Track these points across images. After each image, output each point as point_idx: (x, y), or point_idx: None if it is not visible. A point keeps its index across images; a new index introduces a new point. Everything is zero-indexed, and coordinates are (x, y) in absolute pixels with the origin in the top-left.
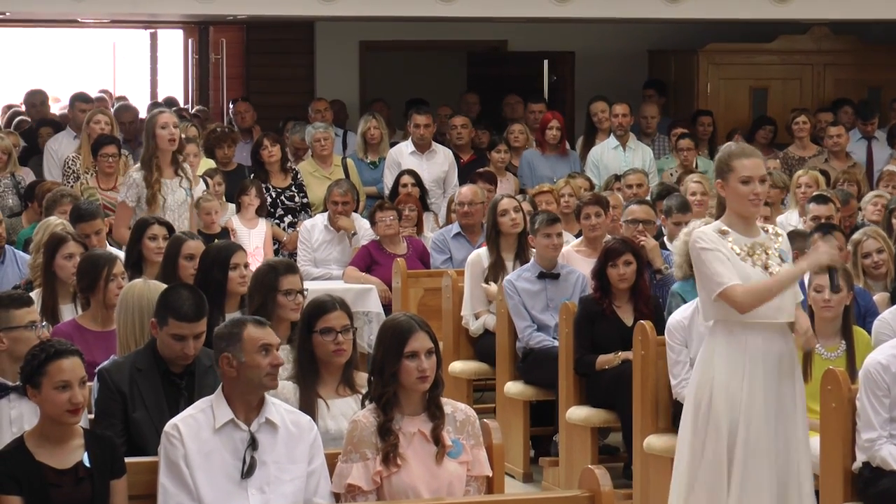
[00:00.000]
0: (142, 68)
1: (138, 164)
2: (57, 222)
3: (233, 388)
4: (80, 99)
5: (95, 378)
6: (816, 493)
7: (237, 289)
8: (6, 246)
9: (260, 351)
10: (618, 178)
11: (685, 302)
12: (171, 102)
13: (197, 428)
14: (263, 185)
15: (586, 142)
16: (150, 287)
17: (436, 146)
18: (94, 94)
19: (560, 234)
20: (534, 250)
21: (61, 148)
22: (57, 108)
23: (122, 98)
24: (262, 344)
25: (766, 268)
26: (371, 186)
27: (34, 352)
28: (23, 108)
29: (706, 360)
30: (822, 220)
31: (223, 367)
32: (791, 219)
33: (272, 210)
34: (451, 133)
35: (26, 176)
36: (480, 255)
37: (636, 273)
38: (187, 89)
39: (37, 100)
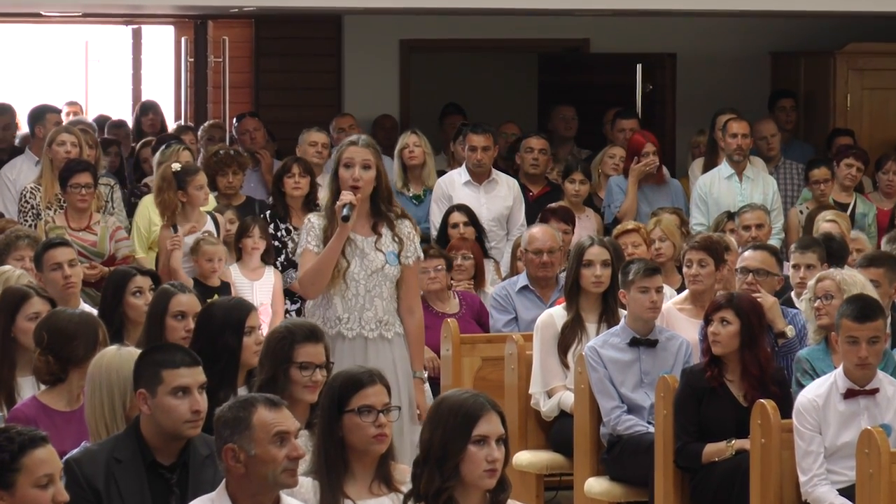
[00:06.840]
0: (122, 74)
1: (320, 211)
2: (17, 273)
3: (241, 486)
4: (49, 111)
5: (62, 471)
6: None
7: (251, 359)
8: None
9: (275, 440)
10: (731, 215)
11: (815, 372)
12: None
13: None
14: (283, 226)
15: (706, 168)
16: (122, 356)
17: (497, 175)
18: (60, 106)
19: (660, 290)
20: (624, 311)
21: (21, 177)
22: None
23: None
24: (278, 431)
25: None
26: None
27: None
28: None
29: None
30: None
31: (228, 463)
32: None
33: (289, 259)
34: (524, 158)
35: None
36: (554, 315)
37: (739, 336)
38: (179, 101)
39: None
